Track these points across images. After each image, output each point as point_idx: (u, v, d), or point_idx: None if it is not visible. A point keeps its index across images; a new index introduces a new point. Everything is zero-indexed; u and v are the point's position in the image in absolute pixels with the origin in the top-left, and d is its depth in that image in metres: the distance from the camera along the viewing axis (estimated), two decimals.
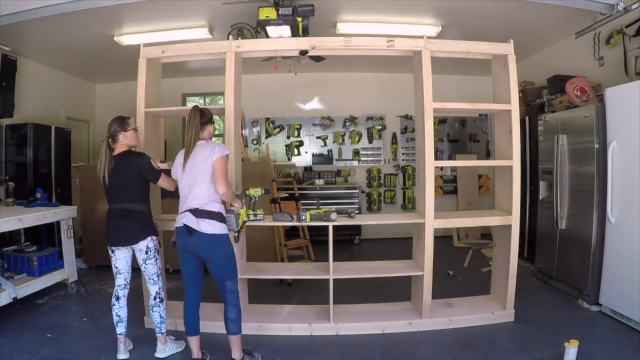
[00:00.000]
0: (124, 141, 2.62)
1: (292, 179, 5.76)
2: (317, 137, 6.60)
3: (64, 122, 5.82)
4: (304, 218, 2.96)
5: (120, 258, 2.65)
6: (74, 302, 3.68)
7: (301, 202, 5.00)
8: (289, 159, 6.56)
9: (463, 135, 6.72)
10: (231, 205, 2.59)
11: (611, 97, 3.22)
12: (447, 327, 3.08)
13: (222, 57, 3.03)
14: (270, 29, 3.62)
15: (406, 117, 6.53)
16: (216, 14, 4.06)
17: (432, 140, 3.01)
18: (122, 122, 2.63)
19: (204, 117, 2.55)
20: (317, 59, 4.13)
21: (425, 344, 2.82)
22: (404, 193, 6.66)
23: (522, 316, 3.17)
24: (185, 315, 2.52)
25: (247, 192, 3.00)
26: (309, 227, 4.52)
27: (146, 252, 2.62)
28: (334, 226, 2.99)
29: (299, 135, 6.62)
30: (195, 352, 2.53)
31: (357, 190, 6.25)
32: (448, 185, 6.65)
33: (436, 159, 3.30)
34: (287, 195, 4.93)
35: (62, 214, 3.76)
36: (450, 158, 6.61)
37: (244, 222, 2.71)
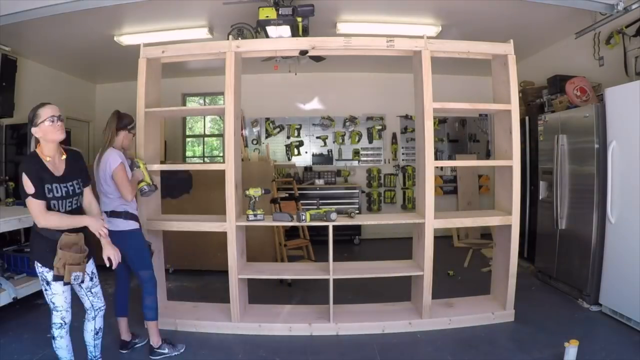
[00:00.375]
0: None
1: (292, 179, 5.76)
2: (317, 137, 6.60)
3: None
4: (304, 218, 2.96)
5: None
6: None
7: (301, 202, 5.00)
8: (289, 159, 6.56)
9: (463, 135, 6.71)
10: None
11: (611, 97, 3.22)
12: (447, 327, 3.08)
13: (222, 57, 3.03)
14: (270, 29, 3.62)
15: (406, 117, 6.53)
16: (216, 14, 4.06)
17: (432, 140, 3.01)
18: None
19: (120, 122, 2.63)
20: (317, 59, 4.13)
21: (425, 344, 2.82)
22: (404, 193, 6.66)
23: (522, 316, 3.17)
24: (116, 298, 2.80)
25: (247, 192, 3.01)
26: (309, 227, 4.52)
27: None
28: (334, 226, 2.99)
29: (299, 135, 6.62)
30: (124, 332, 2.74)
31: (357, 190, 6.25)
32: (448, 185, 6.65)
33: (436, 159, 3.29)
34: (287, 195, 4.93)
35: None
36: (450, 158, 6.61)
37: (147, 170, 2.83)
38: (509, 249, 3.11)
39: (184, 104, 6.77)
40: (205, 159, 7.29)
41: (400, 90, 5.65)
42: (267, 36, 3.69)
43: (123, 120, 2.66)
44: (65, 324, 2.27)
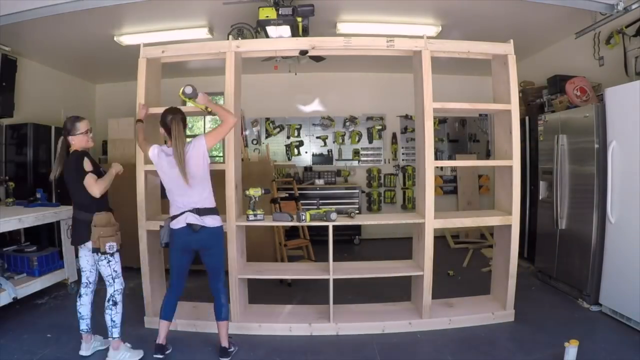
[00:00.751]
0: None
1: (292, 179, 5.76)
2: (317, 137, 6.60)
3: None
4: (304, 218, 2.96)
5: (81, 256, 2.71)
6: (74, 302, 3.67)
7: (301, 202, 5.00)
8: (289, 159, 6.56)
9: (463, 135, 6.71)
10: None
11: (611, 97, 3.22)
12: (447, 327, 3.08)
13: (222, 57, 3.03)
14: (270, 29, 3.61)
15: (406, 117, 6.53)
16: (216, 14, 4.06)
17: (432, 140, 3.01)
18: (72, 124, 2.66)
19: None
20: (317, 59, 4.13)
21: (425, 344, 2.82)
22: (404, 193, 6.66)
23: (522, 316, 3.17)
24: (164, 303, 2.67)
25: (247, 192, 3.01)
26: (309, 227, 4.52)
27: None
28: (334, 226, 2.99)
29: (299, 135, 6.62)
30: (162, 337, 2.62)
31: (357, 190, 6.25)
32: (448, 185, 6.65)
33: (436, 159, 3.29)
34: (287, 195, 4.93)
35: (62, 214, 3.76)
36: (450, 158, 6.61)
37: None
38: (509, 249, 3.11)
39: (184, 104, 6.75)
40: None
41: (400, 90, 5.65)
42: (267, 36, 3.69)
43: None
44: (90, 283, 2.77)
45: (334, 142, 6.60)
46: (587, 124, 3.43)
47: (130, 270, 4.25)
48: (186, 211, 2.52)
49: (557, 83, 4.33)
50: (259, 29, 3.70)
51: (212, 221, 2.56)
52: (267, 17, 3.50)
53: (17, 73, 4.76)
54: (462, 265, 4.84)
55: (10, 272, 3.53)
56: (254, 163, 4.90)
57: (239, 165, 3.16)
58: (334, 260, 3.05)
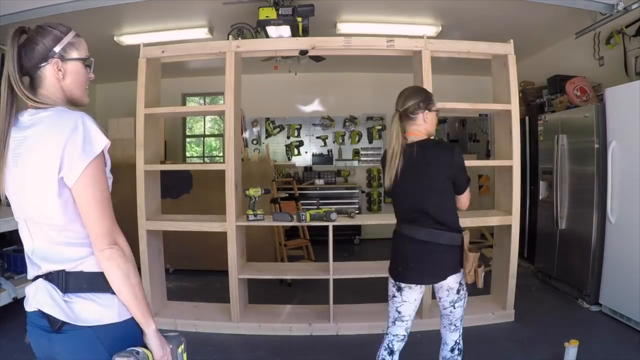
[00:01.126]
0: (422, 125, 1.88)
1: (292, 179, 5.76)
2: (317, 137, 6.60)
3: None
4: (304, 218, 2.96)
5: (410, 300, 1.92)
6: None
7: (301, 202, 5.00)
8: (289, 159, 6.56)
9: (463, 135, 6.71)
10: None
11: (611, 97, 3.22)
12: None
13: (222, 57, 3.03)
14: (270, 29, 3.62)
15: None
16: (216, 14, 4.06)
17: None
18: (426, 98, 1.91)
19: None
20: (317, 59, 4.13)
21: (425, 344, 2.81)
22: None
23: (522, 316, 3.17)
24: None
25: (247, 192, 3.01)
26: (309, 227, 4.51)
27: (457, 292, 1.97)
28: (334, 226, 2.99)
29: (299, 135, 6.62)
30: None
31: (357, 190, 6.25)
32: None
33: None
34: (287, 195, 4.93)
35: None
36: None
37: None
38: (509, 249, 3.11)
39: (184, 104, 6.77)
40: (205, 159, 7.30)
41: (400, 90, 5.65)
42: (267, 36, 3.69)
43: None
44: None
45: (334, 142, 6.60)
46: (587, 124, 3.43)
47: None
48: (38, 275, 1.06)
49: (557, 83, 4.33)
50: (259, 29, 3.70)
51: (91, 311, 1.02)
52: (267, 17, 3.50)
53: None
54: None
55: (10, 272, 3.53)
56: (254, 163, 4.90)
57: (239, 165, 3.15)
58: (334, 260, 3.05)
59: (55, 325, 0.99)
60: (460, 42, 3.11)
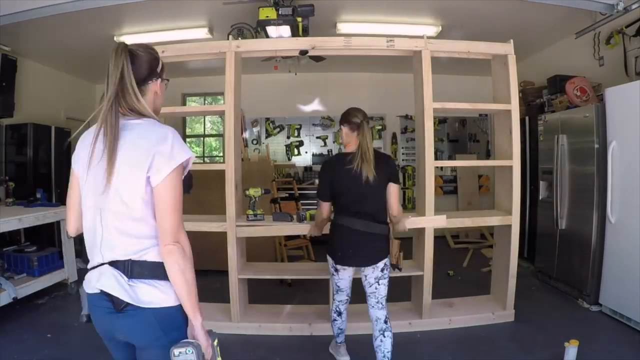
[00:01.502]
0: None
1: (292, 179, 5.76)
2: (317, 137, 6.60)
3: (64, 122, 5.82)
4: (304, 218, 2.96)
5: (345, 278, 2.41)
6: (74, 302, 3.68)
7: (301, 202, 4.99)
8: (289, 159, 6.56)
9: (463, 135, 6.72)
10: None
11: (611, 97, 3.22)
12: (447, 327, 3.08)
13: (222, 57, 3.03)
14: (270, 29, 3.62)
15: (406, 117, 6.53)
16: (216, 14, 4.06)
17: (432, 140, 3.01)
18: None
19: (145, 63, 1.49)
20: (317, 59, 4.13)
21: (425, 344, 2.82)
22: (404, 193, 6.66)
23: (522, 316, 3.17)
24: None
25: (247, 192, 3.01)
26: None
27: (381, 271, 2.30)
28: None
29: (299, 135, 6.62)
30: None
31: None
32: (448, 185, 6.65)
33: (436, 159, 3.29)
34: (287, 195, 4.92)
35: (62, 214, 3.76)
36: (450, 158, 6.61)
37: None
38: (509, 249, 3.11)
39: (184, 104, 6.77)
40: (205, 159, 7.29)
41: (400, 90, 5.64)
42: (267, 36, 3.69)
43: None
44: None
45: (334, 142, 6.60)
46: (587, 124, 3.43)
47: None
48: (103, 263, 1.20)
49: (557, 83, 4.33)
50: (259, 29, 3.70)
51: (151, 294, 1.18)
52: (267, 17, 3.50)
53: (17, 73, 4.75)
54: (462, 265, 4.83)
55: (10, 272, 3.53)
56: (254, 163, 4.90)
57: (239, 165, 3.15)
58: None
59: (119, 306, 1.15)
60: (460, 42, 3.11)
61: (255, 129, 6.60)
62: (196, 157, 7.33)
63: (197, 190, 4.45)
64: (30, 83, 5.17)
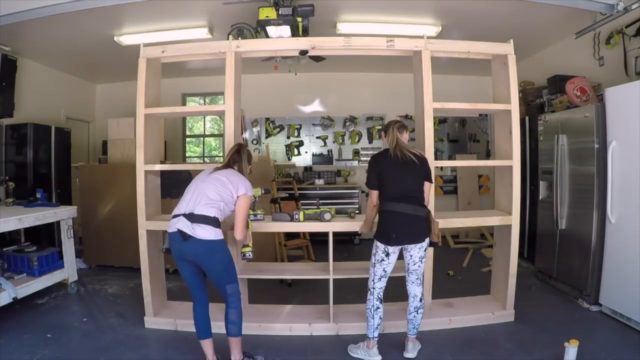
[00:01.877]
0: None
1: (292, 179, 5.76)
2: (317, 137, 6.59)
3: (64, 122, 5.83)
4: (297, 218, 2.99)
5: (393, 262, 2.64)
6: (74, 302, 3.68)
7: (301, 202, 4.99)
8: (289, 159, 6.56)
9: (463, 135, 6.71)
10: (244, 246, 2.69)
11: (611, 97, 3.22)
12: (447, 327, 3.08)
13: (222, 57, 3.03)
14: (270, 29, 3.61)
15: (406, 117, 6.53)
16: (216, 14, 4.06)
17: (432, 140, 3.01)
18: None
19: (250, 157, 2.71)
20: (317, 59, 4.13)
21: (425, 344, 2.81)
22: None
23: (522, 316, 3.17)
24: (195, 319, 2.47)
25: None
26: None
27: (424, 250, 2.61)
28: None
29: (299, 135, 6.61)
30: (210, 356, 2.47)
31: (357, 190, 6.25)
32: (448, 185, 6.65)
33: (436, 159, 3.30)
34: (287, 195, 4.92)
35: (62, 214, 3.76)
36: (450, 158, 6.61)
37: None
38: (509, 249, 3.11)
39: (184, 104, 6.77)
40: (205, 159, 7.30)
41: (400, 90, 5.65)
42: (267, 36, 3.69)
43: (251, 157, 2.77)
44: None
45: (334, 142, 6.60)
46: (587, 124, 3.43)
47: (131, 270, 4.27)
48: (180, 214, 2.32)
49: (557, 83, 4.33)
50: (259, 29, 3.70)
51: (203, 232, 2.26)
52: (267, 17, 3.50)
53: (17, 73, 4.76)
54: (462, 265, 4.83)
55: (10, 272, 3.53)
56: (254, 163, 4.88)
57: None
58: (333, 260, 3.05)
59: (186, 238, 2.25)
60: (460, 42, 3.11)
61: (255, 129, 6.60)
62: (196, 157, 7.33)
63: None
64: (30, 83, 5.17)
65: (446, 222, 3.15)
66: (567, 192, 3.73)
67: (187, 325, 3.07)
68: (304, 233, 4.62)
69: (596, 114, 3.32)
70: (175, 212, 2.37)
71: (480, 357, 2.66)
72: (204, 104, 6.97)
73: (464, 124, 6.70)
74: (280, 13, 3.50)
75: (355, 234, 6.14)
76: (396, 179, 2.57)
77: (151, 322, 3.11)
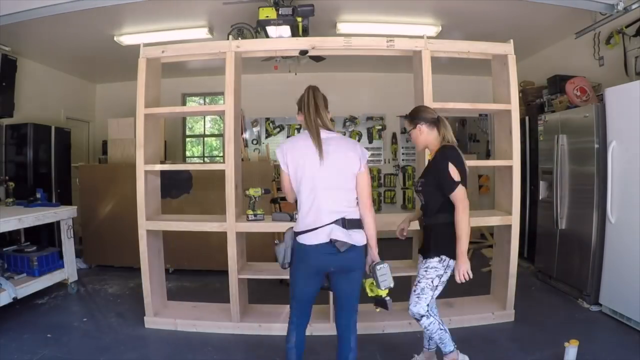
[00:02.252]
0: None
1: None
2: None
3: (64, 122, 5.83)
4: (297, 217, 2.97)
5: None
6: (74, 302, 3.68)
7: None
8: None
9: (463, 135, 6.71)
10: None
11: (611, 97, 3.22)
12: (447, 327, 3.06)
13: (222, 57, 3.03)
14: (270, 29, 3.62)
15: (406, 117, 6.53)
16: (216, 14, 4.06)
17: None
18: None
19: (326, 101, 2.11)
20: (317, 59, 4.14)
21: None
22: (404, 193, 6.66)
23: (522, 316, 3.17)
24: (295, 347, 2.14)
25: (247, 192, 3.01)
26: None
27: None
28: None
29: None
30: None
31: None
32: None
33: None
34: None
35: (62, 214, 3.76)
36: None
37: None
38: (509, 249, 3.10)
39: (184, 104, 6.77)
40: (205, 159, 7.30)
41: (400, 90, 5.62)
42: (267, 36, 3.69)
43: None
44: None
45: None
46: (587, 124, 3.43)
47: (131, 270, 4.27)
48: (331, 223, 1.88)
49: (557, 83, 4.33)
50: (259, 29, 3.70)
51: (360, 237, 1.94)
52: (267, 17, 3.50)
53: (17, 73, 4.76)
54: None
55: (10, 272, 3.53)
56: (254, 163, 4.90)
57: (239, 165, 3.15)
58: None
59: (343, 248, 1.88)
60: (460, 42, 3.11)
61: (255, 129, 6.61)
62: (196, 157, 7.33)
63: (198, 190, 4.48)
64: (30, 83, 5.18)
65: None
66: (567, 192, 3.73)
67: (187, 325, 3.08)
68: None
69: (596, 114, 3.32)
70: (308, 222, 1.93)
71: (481, 357, 2.66)
72: (204, 104, 6.98)
73: (464, 124, 6.70)
74: (280, 13, 3.50)
75: None
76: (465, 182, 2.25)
77: (151, 322, 3.11)
